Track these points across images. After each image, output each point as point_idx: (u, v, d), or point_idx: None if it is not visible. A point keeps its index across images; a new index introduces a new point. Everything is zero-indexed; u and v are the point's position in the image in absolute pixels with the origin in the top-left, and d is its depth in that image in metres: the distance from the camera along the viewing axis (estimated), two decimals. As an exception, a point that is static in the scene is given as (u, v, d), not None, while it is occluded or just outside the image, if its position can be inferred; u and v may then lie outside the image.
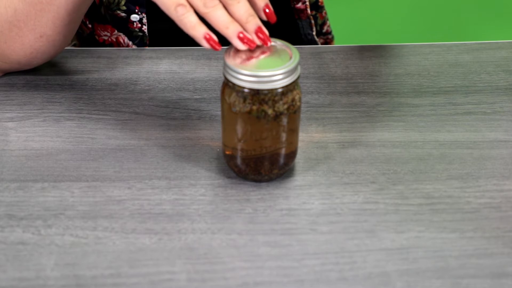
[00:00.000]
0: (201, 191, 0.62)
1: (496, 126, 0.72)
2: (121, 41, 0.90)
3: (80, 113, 0.73)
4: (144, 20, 0.88)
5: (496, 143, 0.69)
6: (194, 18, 0.58)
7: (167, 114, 0.73)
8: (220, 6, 0.58)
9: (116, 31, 0.90)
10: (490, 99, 0.76)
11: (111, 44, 0.92)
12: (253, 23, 0.59)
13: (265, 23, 1.04)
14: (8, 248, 0.56)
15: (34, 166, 0.65)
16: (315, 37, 1.01)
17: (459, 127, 0.71)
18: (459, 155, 0.67)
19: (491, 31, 1.90)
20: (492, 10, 1.95)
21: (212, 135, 0.70)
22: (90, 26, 0.92)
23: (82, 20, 0.93)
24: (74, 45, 0.96)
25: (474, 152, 0.68)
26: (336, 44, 1.11)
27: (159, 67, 0.81)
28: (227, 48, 0.59)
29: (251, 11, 0.59)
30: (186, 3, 0.58)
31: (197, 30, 0.58)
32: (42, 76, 0.79)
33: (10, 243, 0.57)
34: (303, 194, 0.62)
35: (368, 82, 0.79)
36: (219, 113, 0.69)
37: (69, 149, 0.68)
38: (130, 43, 0.90)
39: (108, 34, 0.90)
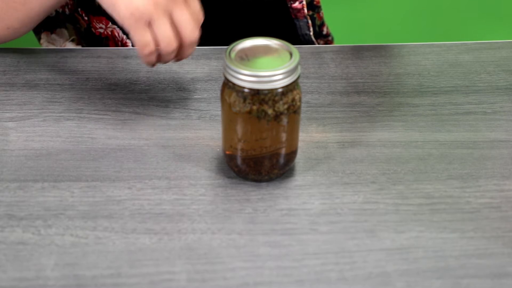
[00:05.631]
0: (201, 191, 0.62)
1: (496, 126, 0.72)
2: (116, 34, 0.90)
3: (80, 113, 0.73)
4: None
5: (496, 143, 0.69)
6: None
7: (167, 114, 0.73)
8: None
9: (110, 23, 0.90)
10: (490, 99, 0.76)
11: (107, 38, 0.92)
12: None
13: (262, 21, 1.03)
14: (8, 248, 0.56)
15: (34, 166, 0.65)
16: (312, 37, 1.00)
17: (459, 127, 0.71)
18: (459, 155, 0.67)
19: (491, 31, 1.90)
20: (492, 10, 1.95)
21: (212, 135, 0.70)
22: (86, 19, 0.92)
23: (79, 13, 0.93)
24: (73, 40, 0.96)
25: (474, 152, 0.68)
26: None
27: (159, 67, 0.81)
28: (227, 48, 0.59)
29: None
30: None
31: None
32: (42, 76, 0.79)
33: (10, 243, 0.57)
34: (303, 194, 0.62)
35: (368, 82, 0.79)
36: (219, 113, 0.69)
37: (69, 149, 0.68)
38: (124, 37, 0.90)
39: (104, 26, 0.90)
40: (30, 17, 0.78)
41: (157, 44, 0.65)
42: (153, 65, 0.68)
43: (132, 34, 0.65)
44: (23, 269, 0.54)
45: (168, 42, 0.65)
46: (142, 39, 0.64)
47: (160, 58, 0.67)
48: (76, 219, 0.59)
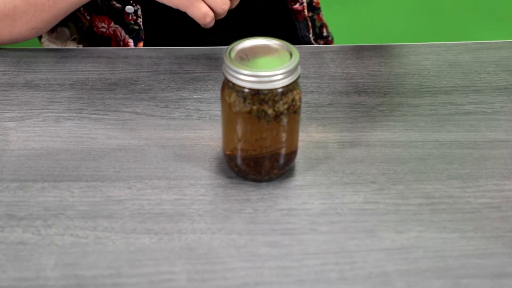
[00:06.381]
0: (201, 191, 0.62)
1: (496, 126, 0.72)
2: (118, 34, 0.91)
3: (80, 113, 0.73)
4: (139, 13, 0.88)
5: (496, 143, 0.69)
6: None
7: (167, 114, 0.73)
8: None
9: (113, 23, 0.90)
10: (490, 99, 0.76)
11: (109, 37, 0.92)
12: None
13: (262, 22, 1.04)
14: (8, 248, 0.56)
15: (34, 166, 0.65)
16: (312, 39, 1.01)
17: (459, 127, 0.71)
18: (459, 155, 0.67)
19: (491, 31, 1.90)
20: (492, 10, 1.95)
21: (212, 135, 0.70)
22: (88, 18, 0.92)
23: (81, 12, 0.93)
24: (74, 39, 0.96)
25: (474, 152, 0.68)
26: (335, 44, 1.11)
27: (159, 67, 0.81)
28: (227, 48, 0.59)
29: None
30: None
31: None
32: (42, 76, 0.79)
33: (10, 243, 0.57)
34: (303, 194, 0.62)
35: (368, 82, 0.79)
36: (219, 113, 0.69)
37: (69, 149, 0.68)
38: (127, 36, 0.90)
39: (106, 26, 0.91)
40: (57, 17, 0.81)
41: (212, 10, 0.73)
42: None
43: (190, 11, 0.73)
44: (23, 269, 0.54)
45: (222, 4, 0.73)
46: (200, 12, 0.73)
47: (215, 17, 0.75)
48: (76, 219, 0.59)
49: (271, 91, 0.57)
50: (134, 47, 0.90)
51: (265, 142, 0.60)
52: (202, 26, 0.75)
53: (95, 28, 0.92)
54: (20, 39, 0.82)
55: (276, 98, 0.58)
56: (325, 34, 1.05)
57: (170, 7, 0.94)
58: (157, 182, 0.63)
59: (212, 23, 0.74)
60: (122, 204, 0.61)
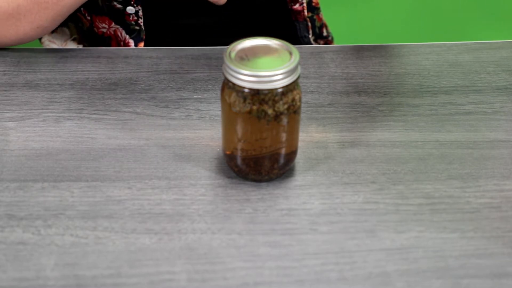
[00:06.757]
0: (201, 191, 0.62)
1: (496, 126, 0.72)
2: (119, 34, 0.91)
3: (80, 113, 0.73)
4: (140, 13, 0.88)
5: (496, 143, 0.69)
6: None
7: (167, 114, 0.73)
8: None
9: (113, 24, 0.90)
10: (490, 99, 0.76)
11: (109, 37, 0.92)
12: None
13: (262, 23, 1.04)
14: (8, 248, 0.56)
15: (34, 166, 0.65)
16: (311, 39, 1.01)
17: (459, 127, 0.71)
18: (459, 155, 0.67)
19: (491, 31, 1.90)
20: (492, 10, 1.95)
21: (212, 135, 0.70)
22: (88, 18, 0.92)
23: (81, 13, 0.93)
24: (74, 39, 0.96)
25: (474, 152, 0.68)
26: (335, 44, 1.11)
27: (159, 67, 0.81)
28: (227, 48, 0.59)
29: None
30: None
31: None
32: (42, 76, 0.79)
33: (10, 243, 0.57)
34: (303, 194, 0.62)
35: (368, 82, 0.79)
36: (219, 113, 0.69)
37: (69, 149, 0.68)
38: (127, 37, 0.90)
39: (106, 26, 0.91)
40: (61, 14, 0.81)
41: None
42: None
43: None
44: (23, 269, 0.54)
45: None
46: None
47: None
48: (76, 219, 0.59)
49: (271, 91, 0.57)
50: (134, 47, 0.90)
51: (265, 142, 0.60)
52: (215, 3, 0.75)
53: (95, 29, 0.92)
54: (26, 39, 0.82)
55: (276, 98, 0.58)
56: (325, 34, 1.05)
57: (170, 7, 0.94)
58: (157, 182, 0.63)
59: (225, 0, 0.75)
60: (122, 204, 0.61)
